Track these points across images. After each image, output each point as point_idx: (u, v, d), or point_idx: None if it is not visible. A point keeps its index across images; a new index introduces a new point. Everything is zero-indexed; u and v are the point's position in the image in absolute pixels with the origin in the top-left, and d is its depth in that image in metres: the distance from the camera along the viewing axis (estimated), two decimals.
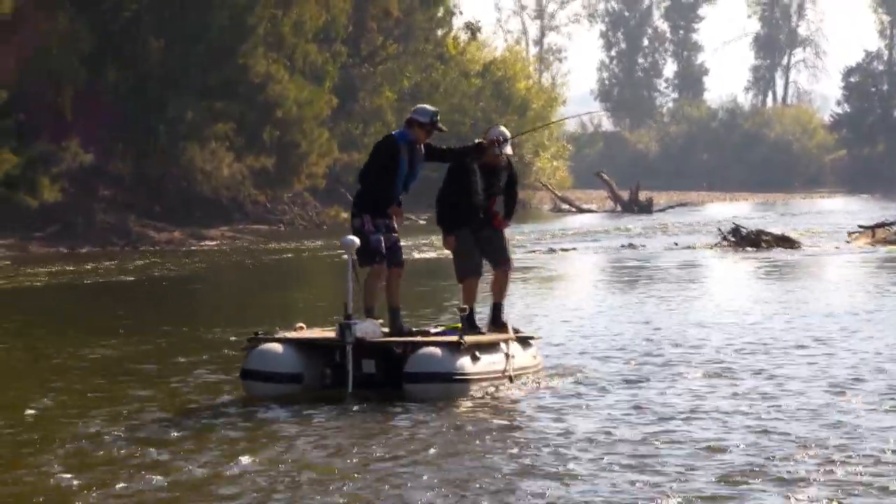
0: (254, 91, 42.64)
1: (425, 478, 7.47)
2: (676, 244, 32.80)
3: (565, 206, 66.20)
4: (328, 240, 36.21)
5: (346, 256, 10.23)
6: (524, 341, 11.05)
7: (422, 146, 10.74)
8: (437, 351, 9.85)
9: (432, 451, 8.20)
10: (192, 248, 37.41)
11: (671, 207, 63.07)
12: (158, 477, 7.57)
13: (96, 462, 8.03)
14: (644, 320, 15.62)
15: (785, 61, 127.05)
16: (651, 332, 14.43)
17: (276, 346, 9.97)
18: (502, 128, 11.18)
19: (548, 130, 72.61)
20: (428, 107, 10.94)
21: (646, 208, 60.01)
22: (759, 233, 30.41)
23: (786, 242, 29.80)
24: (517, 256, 29.56)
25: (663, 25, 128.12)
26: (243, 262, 31.07)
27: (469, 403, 9.85)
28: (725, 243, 30.44)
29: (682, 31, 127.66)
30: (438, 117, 10.77)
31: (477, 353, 10.01)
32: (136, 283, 24.81)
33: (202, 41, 40.34)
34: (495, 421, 9.32)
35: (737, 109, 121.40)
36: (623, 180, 67.74)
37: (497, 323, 10.95)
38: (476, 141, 11.13)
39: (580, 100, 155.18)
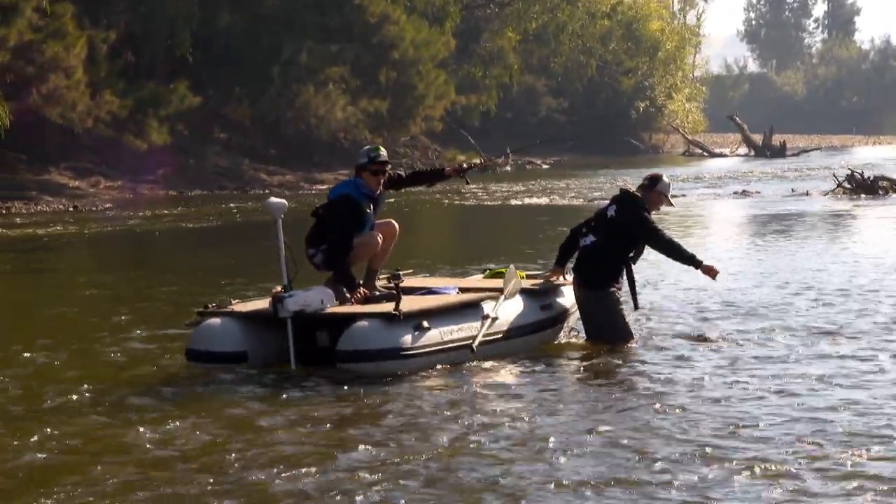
0: (369, 32, 42.08)
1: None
2: (793, 190, 31.53)
3: (697, 150, 64.73)
4: (446, 183, 34.88)
5: (277, 221, 9.00)
6: (536, 293, 9.59)
7: (381, 188, 9.79)
8: (367, 325, 8.63)
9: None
10: (304, 191, 37.24)
11: (806, 152, 61.09)
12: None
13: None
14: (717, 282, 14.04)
15: None
16: (720, 296, 12.52)
17: (217, 322, 8.99)
18: None
19: (681, 72, 70.93)
20: (367, 147, 9.83)
21: (779, 152, 58.31)
22: (877, 178, 28.99)
23: None
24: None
25: None
26: None
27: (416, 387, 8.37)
28: (841, 190, 29.17)
29: None
30: (381, 151, 9.73)
31: (424, 324, 8.70)
32: (231, 227, 24.71)
33: None
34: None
35: (889, 50, 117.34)
36: (767, 123, 65.81)
37: None
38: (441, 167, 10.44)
39: (727, 41, 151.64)
